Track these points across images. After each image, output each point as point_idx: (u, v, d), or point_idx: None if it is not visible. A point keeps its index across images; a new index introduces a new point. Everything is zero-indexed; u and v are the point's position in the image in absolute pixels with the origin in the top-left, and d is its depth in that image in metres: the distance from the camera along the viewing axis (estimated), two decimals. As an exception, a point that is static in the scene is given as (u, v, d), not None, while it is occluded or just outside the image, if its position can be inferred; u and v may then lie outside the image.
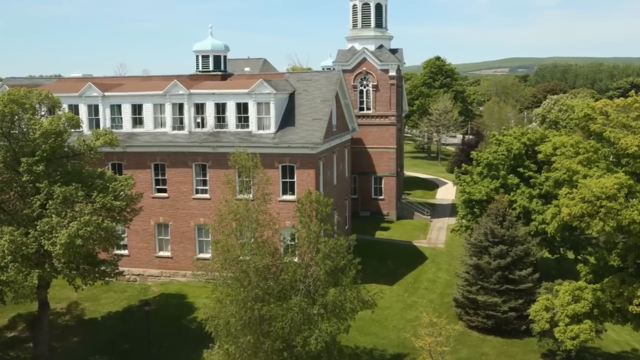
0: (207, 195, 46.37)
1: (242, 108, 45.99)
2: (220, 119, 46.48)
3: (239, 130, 45.94)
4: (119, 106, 48.25)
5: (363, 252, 34.18)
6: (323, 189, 46.11)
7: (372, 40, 65.38)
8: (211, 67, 50.93)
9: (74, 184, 32.77)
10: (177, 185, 46.93)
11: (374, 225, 62.70)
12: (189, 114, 46.69)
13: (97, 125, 47.27)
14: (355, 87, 64.69)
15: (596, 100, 40.04)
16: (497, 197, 44.72)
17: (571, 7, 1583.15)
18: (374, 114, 64.97)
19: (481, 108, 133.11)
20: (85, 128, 46.29)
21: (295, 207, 30.47)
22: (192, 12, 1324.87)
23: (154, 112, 47.58)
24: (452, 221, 62.39)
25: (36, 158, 32.64)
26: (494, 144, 50.70)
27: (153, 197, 47.18)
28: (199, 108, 46.82)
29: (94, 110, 48.54)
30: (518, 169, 48.01)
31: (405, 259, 53.22)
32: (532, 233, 43.97)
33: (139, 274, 48.09)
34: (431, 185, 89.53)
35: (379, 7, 65.96)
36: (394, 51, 66.37)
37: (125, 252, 47.18)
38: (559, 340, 33.90)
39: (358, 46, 65.36)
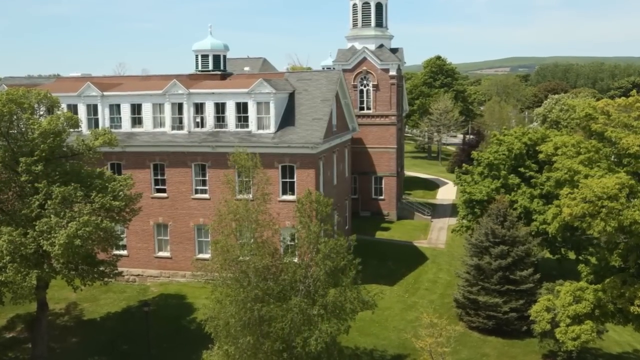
0: (206, 196, 46.23)
1: (241, 108, 45.85)
2: (220, 119, 46.34)
3: (239, 130, 45.79)
4: (118, 106, 48.12)
5: (363, 252, 34.04)
6: (323, 189, 45.97)
7: (372, 40, 65.24)
8: (211, 67, 50.81)
9: (72, 184, 32.64)
10: (177, 185, 46.79)
11: (374, 225, 62.57)
12: (188, 113, 46.55)
13: (96, 125, 47.13)
14: (355, 86, 64.55)
15: (597, 99, 39.87)
16: (498, 197, 44.58)
17: (572, 6, 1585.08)
18: (374, 114, 64.82)
19: (482, 108, 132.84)
20: (84, 128, 46.14)
21: (295, 207, 30.36)
22: (192, 11, 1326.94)
23: (153, 112, 47.44)
24: (452, 221, 62.23)
25: (35, 158, 32.51)
26: (494, 143, 50.57)
27: (152, 197, 47.04)
28: (199, 108, 46.68)
29: (92, 110, 48.41)
30: (519, 169, 47.87)
31: (405, 260, 53.09)
32: (533, 233, 43.84)
33: (138, 275, 47.96)
34: (432, 186, 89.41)
35: (379, 7, 65.83)
36: (394, 50, 66.24)
37: (125, 252, 47.06)
38: (560, 341, 33.76)
39: (358, 45, 65.22)
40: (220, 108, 46.29)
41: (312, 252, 28.91)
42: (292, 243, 30.83)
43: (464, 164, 54.86)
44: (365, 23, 65.94)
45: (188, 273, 46.22)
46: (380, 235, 60.17)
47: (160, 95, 46.97)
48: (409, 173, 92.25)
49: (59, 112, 35.69)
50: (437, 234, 62.32)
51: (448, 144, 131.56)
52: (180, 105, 46.82)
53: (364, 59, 64.44)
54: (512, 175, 47.80)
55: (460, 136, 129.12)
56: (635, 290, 31.10)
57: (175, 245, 47.38)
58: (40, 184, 32.26)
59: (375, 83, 64.36)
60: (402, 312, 43.61)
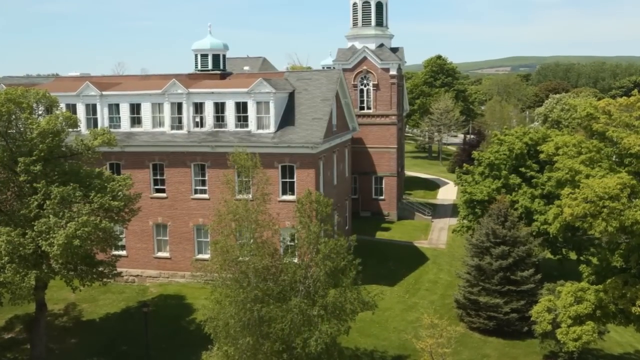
0: (206, 196, 46.09)
1: (241, 107, 45.70)
2: (219, 119, 46.20)
3: (238, 129, 45.65)
4: (117, 105, 47.99)
5: (363, 252, 33.94)
6: (323, 189, 45.83)
7: (372, 39, 65.10)
8: (210, 66, 50.68)
9: (71, 184, 32.53)
10: (176, 185, 46.65)
11: (375, 225, 62.44)
12: (187, 113, 46.41)
13: (95, 125, 47.01)
14: (355, 86, 64.41)
15: (599, 99, 39.76)
16: (498, 197, 44.45)
17: (573, 5, 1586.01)
18: (374, 114, 64.68)
19: (483, 107, 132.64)
20: (83, 127, 46.01)
21: (295, 207, 30.26)
22: (191, 10, 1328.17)
23: (153, 112, 47.30)
24: (453, 221, 62.07)
25: (33, 158, 32.39)
26: (495, 143, 50.45)
27: (151, 198, 46.91)
28: (198, 107, 46.53)
29: (91, 109, 48.28)
30: (520, 169, 47.74)
31: (406, 260, 52.96)
32: (534, 233, 43.72)
33: (137, 275, 47.82)
34: (432, 186, 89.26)
35: (379, 6, 65.69)
36: (394, 50, 66.11)
37: (124, 252, 46.96)
38: (561, 341, 33.61)
39: (358, 45, 65.07)
40: (219, 108, 46.15)
41: (312, 252, 28.81)
42: (292, 243, 30.73)
43: (464, 164, 54.75)
44: (366, 22, 65.81)
45: (187, 273, 46.07)
46: (380, 235, 60.03)
47: (159, 94, 46.83)
48: (409, 173, 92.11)
49: (57, 112, 35.57)
50: (438, 234, 62.18)
51: (449, 144, 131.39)
52: (179, 105, 46.68)
53: (364, 58, 64.30)
54: (513, 175, 47.66)
55: (461, 136, 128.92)
56: (636, 291, 30.96)
57: (174, 245, 47.24)
58: (38, 184, 32.13)
59: (376, 82, 64.21)
60: (403, 312, 43.48)
